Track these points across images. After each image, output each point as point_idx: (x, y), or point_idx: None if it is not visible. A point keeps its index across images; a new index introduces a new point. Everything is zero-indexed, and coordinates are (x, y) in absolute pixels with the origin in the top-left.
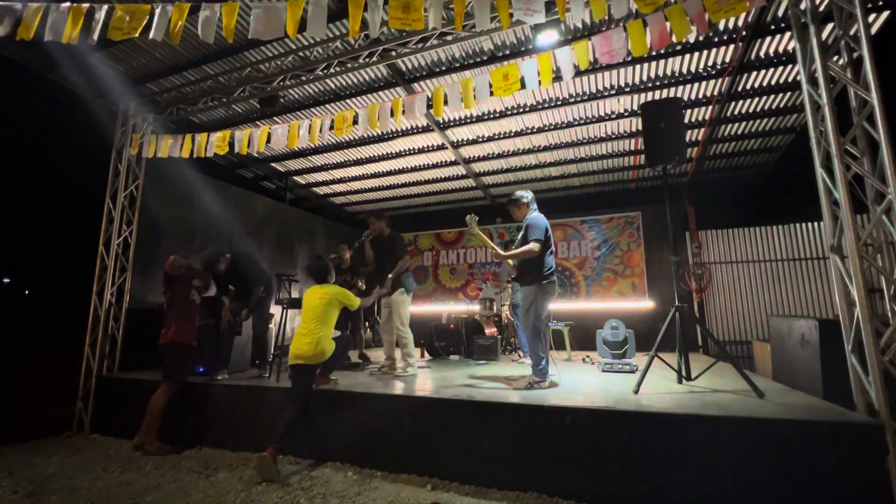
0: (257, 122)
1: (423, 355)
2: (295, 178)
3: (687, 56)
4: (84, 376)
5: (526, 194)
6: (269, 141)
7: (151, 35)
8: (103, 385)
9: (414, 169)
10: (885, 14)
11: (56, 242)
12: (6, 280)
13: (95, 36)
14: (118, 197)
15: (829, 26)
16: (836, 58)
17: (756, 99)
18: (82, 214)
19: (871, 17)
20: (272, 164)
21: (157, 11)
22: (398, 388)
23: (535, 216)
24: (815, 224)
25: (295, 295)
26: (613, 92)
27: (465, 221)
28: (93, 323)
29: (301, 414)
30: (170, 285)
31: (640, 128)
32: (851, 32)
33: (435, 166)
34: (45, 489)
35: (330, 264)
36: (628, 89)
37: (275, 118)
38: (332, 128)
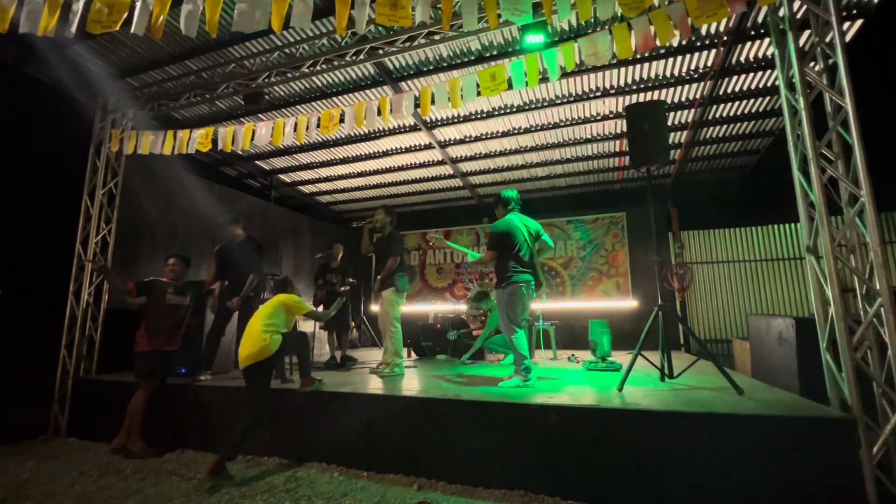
0: (241, 119)
1: (409, 355)
2: (280, 176)
3: (670, 60)
4: (60, 378)
5: (503, 196)
6: (253, 138)
7: (133, 29)
8: (80, 387)
9: (401, 168)
10: (859, 22)
11: (31, 241)
12: None
13: (73, 28)
14: (96, 194)
15: (806, 33)
16: (812, 64)
17: (737, 102)
18: (58, 212)
19: (846, 25)
20: (256, 162)
21: (138, 5)
22: (384, 387)
23: (498, 221)
24: (793, 225)
25: None
26: (599, 94)
27: (431, 237)
28: (69, 323)
29: (257, 420)
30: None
31: (624, 129)
32: (827, 39)
33: (422, 165)
34: (20, 495)
35: (289, 280)
36: (613, 91)
37: (260, 115)
38: (318, 126)
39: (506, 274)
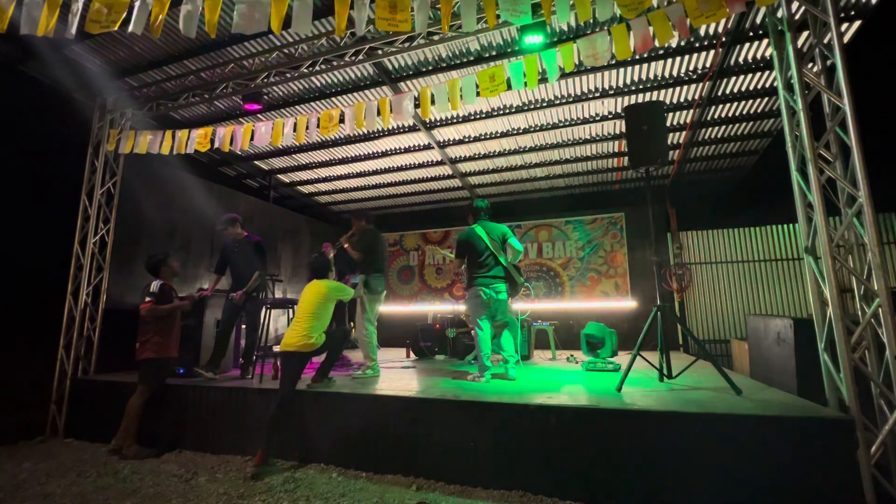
0: (241, 119)
1: (408, 355)
2: (279, 176)
3: (669, 60)
4: (58, 379)
5: (472, 207)
6: (252, 139)
7: (131, 28)
8: (78, 388)
9: (400, 168)
10: (857, 23)
11: (28, 241)
12: None
13: (73, 29)
14: (94, 194)
15: (805, 34)
16: (810, 65)
17: (735, 103)
18: (56, 212)
19: (844, 27)
20: (255, 162)
21: (137, 4)
22: (383, 388)
23: (461, 232)
24: (791, 226)
25: (279, 295)
26: (598, 94)
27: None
28: (67, 324)
29: (282, 405)
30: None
31: (623, 130)
32: (825, 41)
33: (421, 166)
34: (16, 496)
35: (329, 261)
36: (612, 92)
37: (258, 115)
38: (318, 126)
39: (468, 279)
